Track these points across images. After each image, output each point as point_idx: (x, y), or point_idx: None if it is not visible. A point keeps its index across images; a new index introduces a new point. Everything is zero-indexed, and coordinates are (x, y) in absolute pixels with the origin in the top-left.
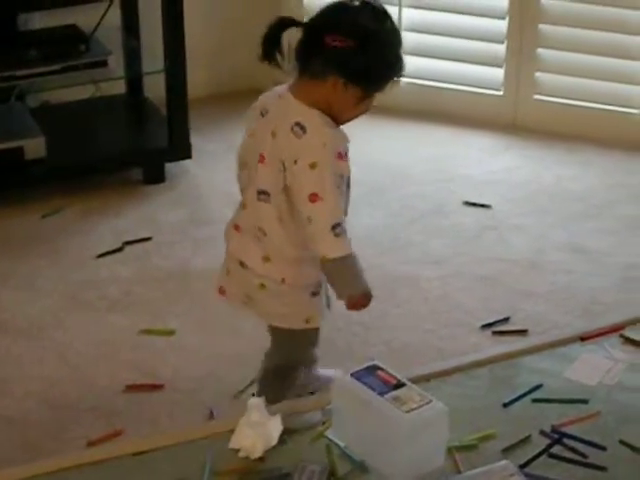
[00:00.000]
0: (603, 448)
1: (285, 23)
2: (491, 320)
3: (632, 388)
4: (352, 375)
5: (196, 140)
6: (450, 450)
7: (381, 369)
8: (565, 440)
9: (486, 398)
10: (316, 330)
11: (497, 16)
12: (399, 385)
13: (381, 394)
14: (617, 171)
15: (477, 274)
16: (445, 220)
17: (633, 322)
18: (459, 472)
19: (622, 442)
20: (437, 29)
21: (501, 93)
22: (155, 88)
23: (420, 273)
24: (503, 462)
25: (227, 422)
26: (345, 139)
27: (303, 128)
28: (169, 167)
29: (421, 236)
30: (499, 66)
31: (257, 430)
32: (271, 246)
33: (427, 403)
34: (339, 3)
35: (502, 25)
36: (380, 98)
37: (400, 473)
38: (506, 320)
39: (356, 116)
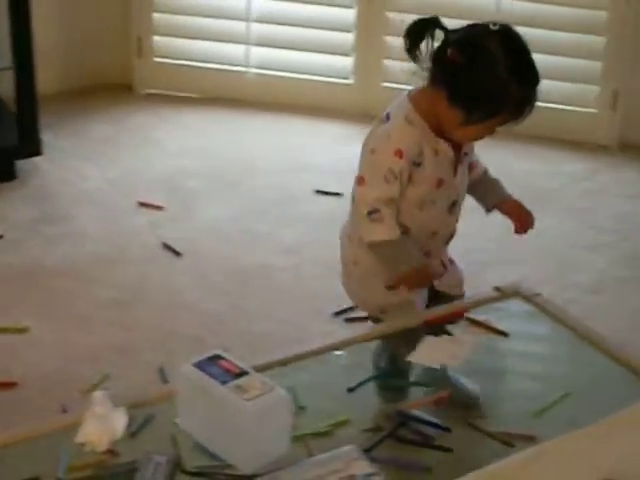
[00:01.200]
0: (448, 430)
1: (431, 23)
2: (343, 307)
3: (476, 370)
4: (195, 365)
5: (47, 136)
6: (304, 437)
7: (223, 358)
8: (411, 423)
9: (336, 384)
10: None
11: (345, 5)
12: (242, 373)
13: (223, 383)
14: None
15: (330, 262)
16: (296, 209)
17: (477, 304)
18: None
19: (468, 424)
20: (285, 19)
21: (350, 81)
22: (4, 85)
23: (273, 263)
24: (348, 447)
25: (78, 416)
26: (415, 142)
27: (388, 118)
28: (20, 164)
29: (272, 226)
30: (348, 55)
31: (102, 423)
32: (351, 226)
33: (269, 391)
34: (481, 23)
35: (350, 14)
36: (224, 89)
37: (245, 461)
38: (357, 307)
39: (469, 138)
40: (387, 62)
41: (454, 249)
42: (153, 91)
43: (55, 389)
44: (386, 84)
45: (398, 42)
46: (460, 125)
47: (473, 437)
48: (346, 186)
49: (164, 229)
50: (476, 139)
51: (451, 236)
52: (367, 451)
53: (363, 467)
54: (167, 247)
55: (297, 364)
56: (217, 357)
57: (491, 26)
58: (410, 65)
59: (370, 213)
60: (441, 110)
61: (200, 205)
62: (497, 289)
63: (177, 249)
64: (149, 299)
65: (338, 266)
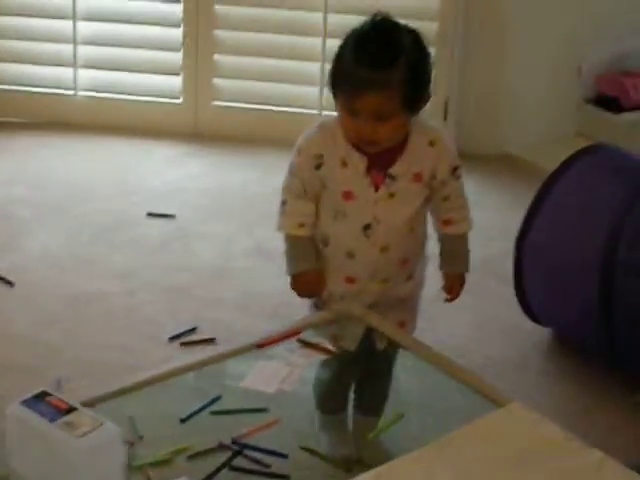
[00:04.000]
0: (284, 456)
1: None
2: (179, 331)
3: (306, 394)
4: (22, 403)
5: None
6: (143, 467)
7: (51, 395)
8: (246, 451)
9: (171, 411)
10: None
11: (172, 24)
12: (70, 410)
13: (52, 420)
14: None
15: (163, 286)
16: (128, 233)
17: (310, 325)
18: None
19: (302, 448)
20: (113, 40)
21: (180, 101)
22: None
23: (105, 289)
24: (181, 478)
25: None
26: (316, 144)
27: None
28: None
29: (104, 251)
30: (176, 74)
31: None
32: None
33: (99, 425)
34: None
35: (177, 33)
36: (53, 113)
37: None
38: (193, 330)
39: (350, 133)
40: (217, 80)
41: None
42: None
43: None
44: (217, 102)
45: (227, 60)
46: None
47: (308, 460)
48: (178, 207)
49: None
50: (355, 134)
51: (382, 275)
52: None
53: None
54: None
55: (135, 393)
56: (44, 394)
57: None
58: None
59: (282, 204)
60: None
61: (30, 233)
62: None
63: (9, 279)
64: None
65: (172, 290)
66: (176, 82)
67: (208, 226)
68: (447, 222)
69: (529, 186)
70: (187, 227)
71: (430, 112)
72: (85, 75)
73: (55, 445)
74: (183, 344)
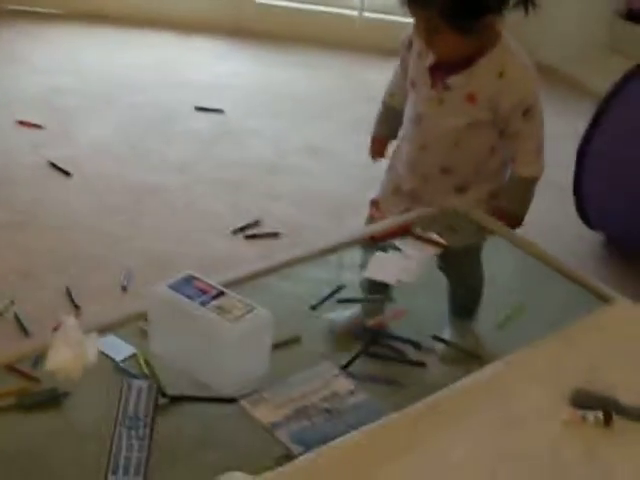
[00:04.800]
0: (419, 345)
1: None
2: (241, 224)
3: (427, 284)
4: (169, 286)
5: None
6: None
7: (197, 278)
8: (382, 339)
9: (295, 301)
10: None
11: None
12: (219, 294)
13: (203, 304)
14: (345, 72)
15: (220, 179)
16: (179, 126)
17: (418, 219)
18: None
19: (435, 337)
20: None
21: None
22: None
23: (162, 181)
24: (325, 363)
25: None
26: (409, 35)
27: None
28: None
29: (157, 144)
30: None
31: (75, 349)
32: None
33: (251, 310)
34: None
35: None
36: (90, 4)
37: (228, 383)
38: (256, 224)
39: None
40: None
41: (350, 169)
42: (15, 7)
43: None
44: (260, 0)
45: None
46: None
47: (439, 351)
48: (225, 102)
49: (47, 148)
50: (420, 36)
51: (419, 170)
52: (343, 368)
53: (344, 384)
54: (55, 167)
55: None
56: (191, 277)
57: None
58: None
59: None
60: None
61: (80, 123)
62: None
63: (65, 169)
64: (45, 220)
65: (228, 184)
66: None
67: (256, 122)
68: (512, 160)
69: (570, 97)
70: (236, 122)
71: None
72: None
73: (206, 329)
74: (247, 237)
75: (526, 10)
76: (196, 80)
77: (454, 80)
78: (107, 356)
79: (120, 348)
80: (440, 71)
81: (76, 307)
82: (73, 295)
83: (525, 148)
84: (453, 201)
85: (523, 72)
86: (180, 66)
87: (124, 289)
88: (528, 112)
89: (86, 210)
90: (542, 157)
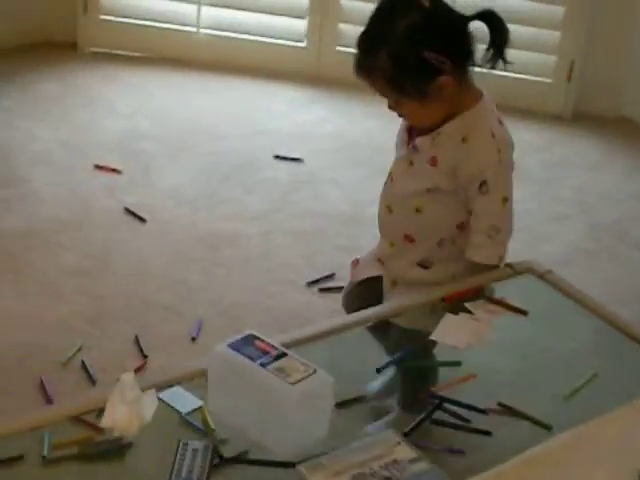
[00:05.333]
0: (484, 412)
1: None
2: (316, 277)
3: (499, 348)
4: (230, 345)
5: None
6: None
7: (258, 338)
8: (446, 405)
9: (358, 363)
10: None
11: None
12: (280, 355)
13: (263, 365)
14: None
15: (297, 230)
16: (258, 175)
17: (492, 280)
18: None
19: (501, 404)
20: None
21: (304, 44)
22: None
23: (239, 230)
24: (388, 431)
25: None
26: None
27: None
28: None
29: (235, 192)
30: (302, 17)
31: (132, 407)
32: None
33: (312, 373)
34: None
35: None
36: (174, 49)
37: (287, 446)
38: (331, 276)
39: None
40: (342, 25)
41: None
42: (98, 49)
43: (28, 361)
44: (340, 48)
45: (353, 5)
46: None
47: (506, 419)
48: (304, 151)
49: (123, 193)
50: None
51: (388, 235)
52: (406, 435)
53: (406, 452)
54: (130, 212)
55: (321, 340)
56: (252, 337)
57: None
58: None
59: None
60: None
61: (158, 169)
62: (509, 266)
63: (140, 215)
64: (117, 266)
65: (306, 234)
66: (301, 25)
67: (335, 172)
68: (469, 244)
69: None
70: (315, 172)
71: (554, 72)
72: (208, 13)
73: (266, 390)
74: (322, 290)
75: (492, 66)
76: (275, 128)
77: (420, 142)
78: (173, 408)
79: (186, 400)
80: (415, 131)
81: (144, 356)
82: (142, 344)
83: (476, 227)
84: (414, 275)
85: (487, 141)
86: (259, 113)
87: (193, 339)
88: (484, 186)
89: (159, 258)
90: (500, 242)
